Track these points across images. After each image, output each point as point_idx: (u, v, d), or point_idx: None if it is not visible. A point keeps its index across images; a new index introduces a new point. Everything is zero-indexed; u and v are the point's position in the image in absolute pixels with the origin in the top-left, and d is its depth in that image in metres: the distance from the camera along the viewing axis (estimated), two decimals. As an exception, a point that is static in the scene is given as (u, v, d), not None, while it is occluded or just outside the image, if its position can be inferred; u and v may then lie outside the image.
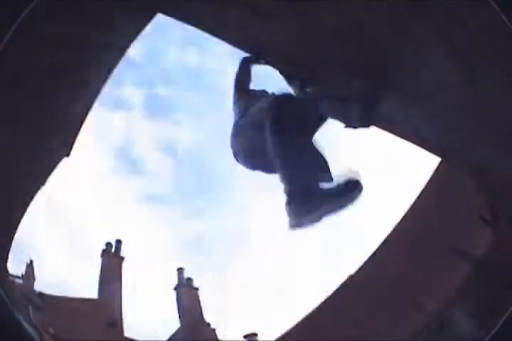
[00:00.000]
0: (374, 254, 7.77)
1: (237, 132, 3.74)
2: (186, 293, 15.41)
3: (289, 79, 4.19)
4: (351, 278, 8.25)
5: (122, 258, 16.54)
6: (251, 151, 3.58)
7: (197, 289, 15.69)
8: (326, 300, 8.62)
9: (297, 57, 4.00)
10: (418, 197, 7.12)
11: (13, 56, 3.24)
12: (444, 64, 3.32)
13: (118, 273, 15.90)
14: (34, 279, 14.38)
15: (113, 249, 16.80)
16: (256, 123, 3.40)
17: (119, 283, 15.50)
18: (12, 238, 5.08)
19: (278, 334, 9.71)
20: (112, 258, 16.31)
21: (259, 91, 4.33)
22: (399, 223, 7.32)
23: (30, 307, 11.25)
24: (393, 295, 7.06)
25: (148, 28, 3.95)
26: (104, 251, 16.52)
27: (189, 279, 15.92)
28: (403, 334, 6.87)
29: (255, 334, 13.69)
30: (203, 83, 37.08)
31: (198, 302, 15.27)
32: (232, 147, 3.74)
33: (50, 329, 11.01)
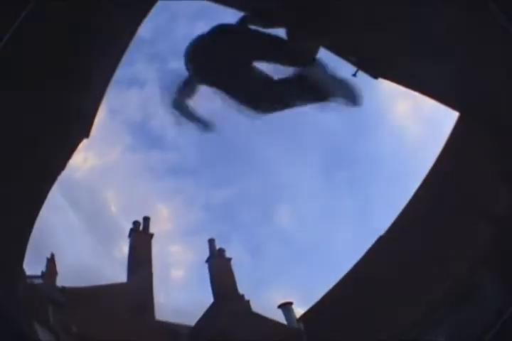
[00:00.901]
0: (403, 214, 7.77)
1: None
2: (218, 264, 15.11)
3: None
4: (381, 238, 8.26)
5: (151, 235, 16.32)
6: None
7: (229, 259, 15.34)
8: (358, 264, 8.66)
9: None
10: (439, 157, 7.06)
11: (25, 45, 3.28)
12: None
13: (148, 251, 15.76)
14: (56, 273, 14.21)
15: (141, 227, 16.54)
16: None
17: (149, 263, 15.31)
18: (28, 237, 5.08)
19: (313, 300, 9.81)
20: (140, 236, 16.16)
21: None
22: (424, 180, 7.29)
23: (49, 308, 11.07)
24: (421, 257, 7.08)
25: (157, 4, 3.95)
26: (131, 230, 16.36)
27: (221, 250, 15.59)
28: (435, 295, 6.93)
29: (290, 303, 13.50)
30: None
31: (231, 273, 14.85)
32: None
33: (73, 327, 10.82)
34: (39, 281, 13.28)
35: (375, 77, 4.95)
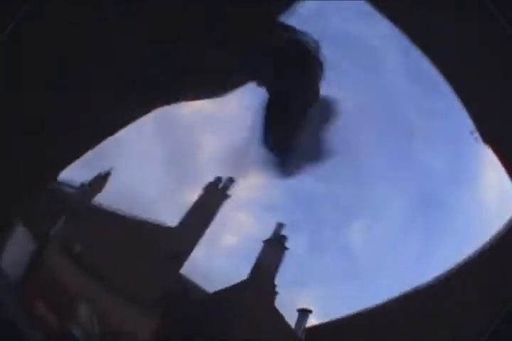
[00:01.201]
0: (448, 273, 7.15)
1: None
2: (273, 249, 14.81)
3: None
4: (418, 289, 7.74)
5: (227, 196, 16.42)
6: None
7: (286, 249, 15.04)
8: (391, 300, 8.12)
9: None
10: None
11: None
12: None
13: (214, 210, 16.06)
14: (99, 191, 14.86)
15: (221, 185, 16.69)
16: None
17: (207, 221, 15.67)
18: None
19: (331, 317, 9.46)
20: (215, 192, 16.21)
21: None
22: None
23: (63, 217, 11.39)
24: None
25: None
26: (210, 183, 16.51)
27: (283, 237, 15.28)
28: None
29: (309, 311, 13.33)
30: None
31: (279, 262, 14.67)
32: None
33: (77, 246, 10.77)
34: (72, 190, 13.88)
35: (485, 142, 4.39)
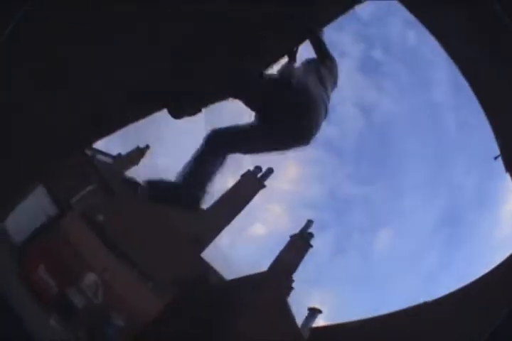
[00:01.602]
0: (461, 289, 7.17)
1: None
2: (298, 245, 14.48)
3: None
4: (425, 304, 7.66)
5: (263, 186, 16.48)
6: None
7: (311, 246, 14.65)
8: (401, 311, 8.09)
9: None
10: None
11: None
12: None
13: (248, 198, 15.83)
14: (135, 165, 14.62)
15: (259, 175, 16.68)
16: None
17: (240, 209, 15.48)
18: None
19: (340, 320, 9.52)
20: (252, 181, 16.27)
21: None
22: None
23: (90, 187, 11.20)
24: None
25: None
26: (248, 171, 16.44)
27: (310, 234, 15.02)
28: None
29: (319, 311, 13.22)
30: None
31: (302, 258, 14.10)
32: None
33: (100, 216, 10.80)
34: (107, 160, 14.07)
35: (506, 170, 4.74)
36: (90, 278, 9.57)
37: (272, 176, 17.01)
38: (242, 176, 16.28)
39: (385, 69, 37.17)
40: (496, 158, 4.66)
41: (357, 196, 34.74)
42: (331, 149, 37.15)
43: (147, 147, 15.68)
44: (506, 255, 5.59)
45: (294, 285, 13.04)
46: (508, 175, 4.55)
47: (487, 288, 6.02)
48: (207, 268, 12.79)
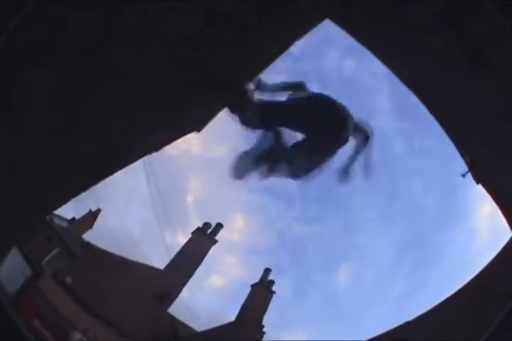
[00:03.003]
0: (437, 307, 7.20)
1: None
2: (261, 294, 14.89)
3: None
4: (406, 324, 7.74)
5: (215, 242, 16.50)
6: None
7: (273, 293, 15.08)
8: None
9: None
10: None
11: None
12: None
13: (202, 254, 15.80)
14: (90, 228, 14.62)
15: (209, 230, 16.72)
16: None
17: (195, 263, 15.30)
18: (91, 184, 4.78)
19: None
20: (204, 238, 16.29)
21: None
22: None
23: (56, 250, 11.40)
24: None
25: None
26: (198, 229, 16.52)
27: (270, 282, 15.46)
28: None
29: None
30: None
31: (266, 305, 14.56)
32: None
33: (68, 279, 10.89)
34: (63, 224, 13.80)
35: (477, 182, 4.83)
36: (77, 336, 9.53)
37: (222, 229, 17.14)
38: (193, 234, 16.29)
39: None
40: (464, 175, 4.86)
41: (308, 236, 34.69)
42: (274, 194, 37.03)
43: (99, 210, 15.37)
44: (479, 265, 5.76)
45: (265, 329, 13.12)
46: (475, 187, 4.82)
47: (463, 303, 6.17)
48: (176, 323, 12.81)
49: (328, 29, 4.22)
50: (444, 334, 5.48)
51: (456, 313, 5.73)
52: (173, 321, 12.87)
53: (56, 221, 12.50)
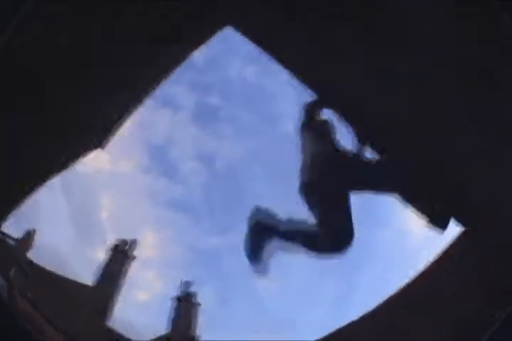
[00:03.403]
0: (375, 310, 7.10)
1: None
2: (185, 306, 15.50)
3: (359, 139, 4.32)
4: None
5: (133, 258, 16.81)
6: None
7: (198, 305, 15.80)
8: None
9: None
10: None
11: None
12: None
13: (123, 269, 16.09)
14: (31, 247, 14.36)
15: (126, 247, 16.98)
16: None
17: (119, 279, 15.59)
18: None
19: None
20: (121, 255, 16.52)
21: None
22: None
23: (14, 268, 11.32)
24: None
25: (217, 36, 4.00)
26: (116, 246, 16.74)
27: (192, 294, 16.06)
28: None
29: None
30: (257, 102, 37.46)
31: (194, 316, 15.32)
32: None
33: (28, 293, 10.39)
34: (12, 243, 13.47)
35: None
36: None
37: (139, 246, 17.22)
38: (111, 250, 16.41)
39: (223, 113, 37.14)
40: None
41: (219, 246, 35.05)
42: (180, 208, 36.97)
43: (34, 230, 14.90)
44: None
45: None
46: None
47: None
48: (118, 337, 12.92)
49: (229, 36, 4.08)
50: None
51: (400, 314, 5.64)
52: (115, 335, 13.01)
53: (7, 240, 12.31)
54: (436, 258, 4.97)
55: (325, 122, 4.40)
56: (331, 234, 3.80)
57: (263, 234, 3.97)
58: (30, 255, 13.43)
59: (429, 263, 4.99)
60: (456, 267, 4.66)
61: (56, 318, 10.81)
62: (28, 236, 14.67)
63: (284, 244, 3.96)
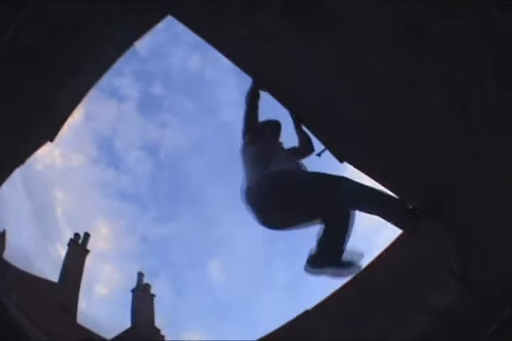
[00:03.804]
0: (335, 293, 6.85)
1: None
2: (142, 297, 15.65)
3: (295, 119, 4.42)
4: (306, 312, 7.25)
5: (87, 252, 16.68)
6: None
7: (153, 296, 15.93)
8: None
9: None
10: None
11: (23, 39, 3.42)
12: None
13: (81, 264, 15.97)
14: (4, 249, 14.50)
15: (80, 241, 16.97)
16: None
17: (80, 274, 15.47)
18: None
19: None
20: (77, 249, 16.45)
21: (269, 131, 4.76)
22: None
23: None
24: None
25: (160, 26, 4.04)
26: (71, 240, 16.64)
27: (147, 285, 16.19)
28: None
29: None
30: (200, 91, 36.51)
31: (152, 308, 15.48)
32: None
33: (12, 294, 10.30)
34: None
35: (341, 160, 4.93)
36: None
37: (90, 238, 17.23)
38: (68, 246, 16.44)
39: (166, 103, 36.85)
40: (319, 154, 5.03)
41: (169, 236, 34.99)
42: (128, 199, 36.85)
43: (4, 230, 14.67)
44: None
45: (163, 333, 13.34)
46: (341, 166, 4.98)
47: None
48: (89, 333, 12.74)
49: (172, 26, 4.18)
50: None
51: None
52: (84, 331, 12.92)
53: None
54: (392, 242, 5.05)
55: (266, 125, 4.56)
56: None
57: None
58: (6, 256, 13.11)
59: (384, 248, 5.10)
60: (409, 251, 4.79)
61: (33, 318, 11.65)
62: (1, 238, 14.43)
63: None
